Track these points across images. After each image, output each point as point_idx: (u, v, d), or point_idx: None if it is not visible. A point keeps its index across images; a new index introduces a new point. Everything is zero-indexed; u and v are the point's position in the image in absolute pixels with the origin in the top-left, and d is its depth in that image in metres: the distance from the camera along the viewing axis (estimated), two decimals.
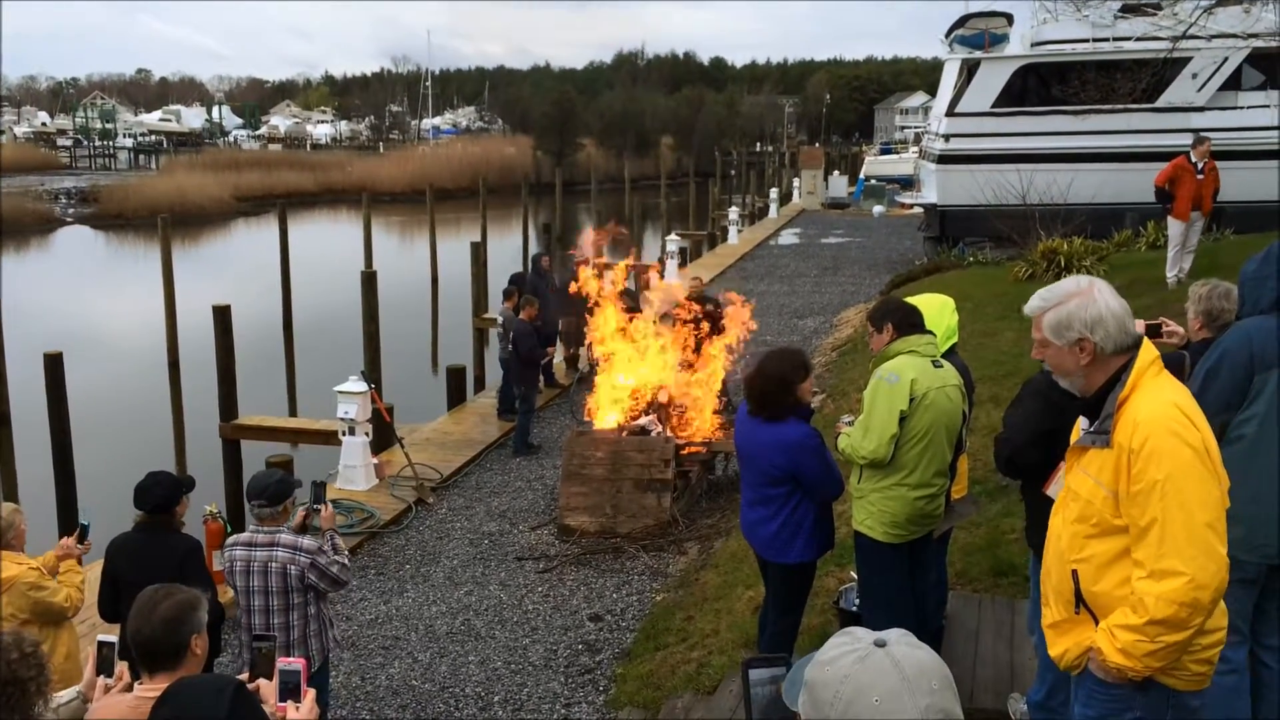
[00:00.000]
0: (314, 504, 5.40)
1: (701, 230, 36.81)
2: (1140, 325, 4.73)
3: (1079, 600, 2.97)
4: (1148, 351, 2.93)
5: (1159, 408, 2.81)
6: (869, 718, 1.52)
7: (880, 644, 1.58)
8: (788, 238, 34.82)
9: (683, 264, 27.13)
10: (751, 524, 5.35)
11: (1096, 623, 2.94)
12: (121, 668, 3.43)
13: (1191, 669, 2.89)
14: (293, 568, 4.99)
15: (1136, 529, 2.81)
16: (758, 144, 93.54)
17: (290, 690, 3.08)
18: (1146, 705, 2.92)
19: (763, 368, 5.22)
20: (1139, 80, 16.89)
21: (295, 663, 3.16)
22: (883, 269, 26.10)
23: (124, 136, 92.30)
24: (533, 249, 30.02)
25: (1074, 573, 2.98)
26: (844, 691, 1.55)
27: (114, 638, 3.56)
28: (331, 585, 5.13)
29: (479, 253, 20.09)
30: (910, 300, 5.25)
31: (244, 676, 3.27)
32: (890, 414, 4.65)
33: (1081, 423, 3.09)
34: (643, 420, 11.01)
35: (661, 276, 26.24)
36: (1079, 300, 2.95)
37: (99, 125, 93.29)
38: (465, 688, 7.21)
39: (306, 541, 5.06)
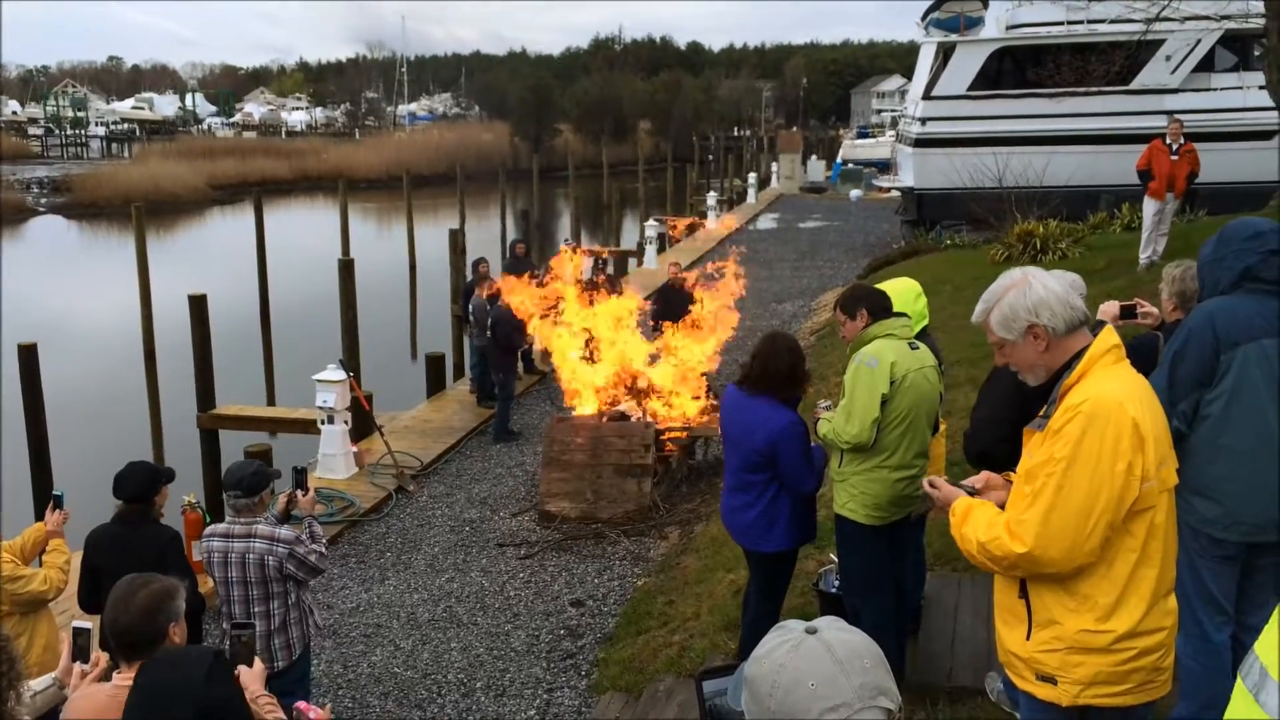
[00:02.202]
0: (295, 489, 5.38)
1: (680, 215, 36.79)
2: (1115, 306, 4.79)
3: (1022, 585, 2.96)
4: (1103, 340, 2.90)
5: (1100, 398, 2.77)
6: (807, 704, 1.56)
7: (812, 631, 1.62)
8: (766, 222, 34.87)
9: (661, 249, 27.15)
10: (731, 510, 5.34)
11: (1030, 623, 2.92)
12: (97, 655, 3.42)
13: (1125, 676, 2.84)
14: (270, 558, 4.97)
15: (1032, 490, 2.83)
16: (735, 128, 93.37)
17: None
18: None
19: (784, 345, 5.20)
20: (1113, 63, 17.02)
21: (311, 713, 3.27)
22: (860, 253, 26.19)
23: (96, 125, 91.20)
24: (511, 235, 29.95)
25: None
26: (781, 681, 1.58)
27: (89, 624, 3.55)
28: (310, 573, 5.12)
29: (457, 240, 19.98)
30: (879, 285, 5.27)
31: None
32: (872, 397, 4.67)
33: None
34: (622, 406, 11.03)
35: (640, 262, 26.31)
36: (1016, 290, 2.96)
37: (70, 114, 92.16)
38: (447, 674, 7.22)
39: (284, 531, 5.05)
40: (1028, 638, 2.92)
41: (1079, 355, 2.88)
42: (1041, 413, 2.93)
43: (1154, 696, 2.89)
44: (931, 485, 3.25)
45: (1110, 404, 2.75)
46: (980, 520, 2.93)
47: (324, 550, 5.23)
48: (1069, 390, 2.85)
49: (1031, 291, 2.93)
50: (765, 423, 5.07)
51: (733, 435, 5.28)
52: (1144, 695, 2.86)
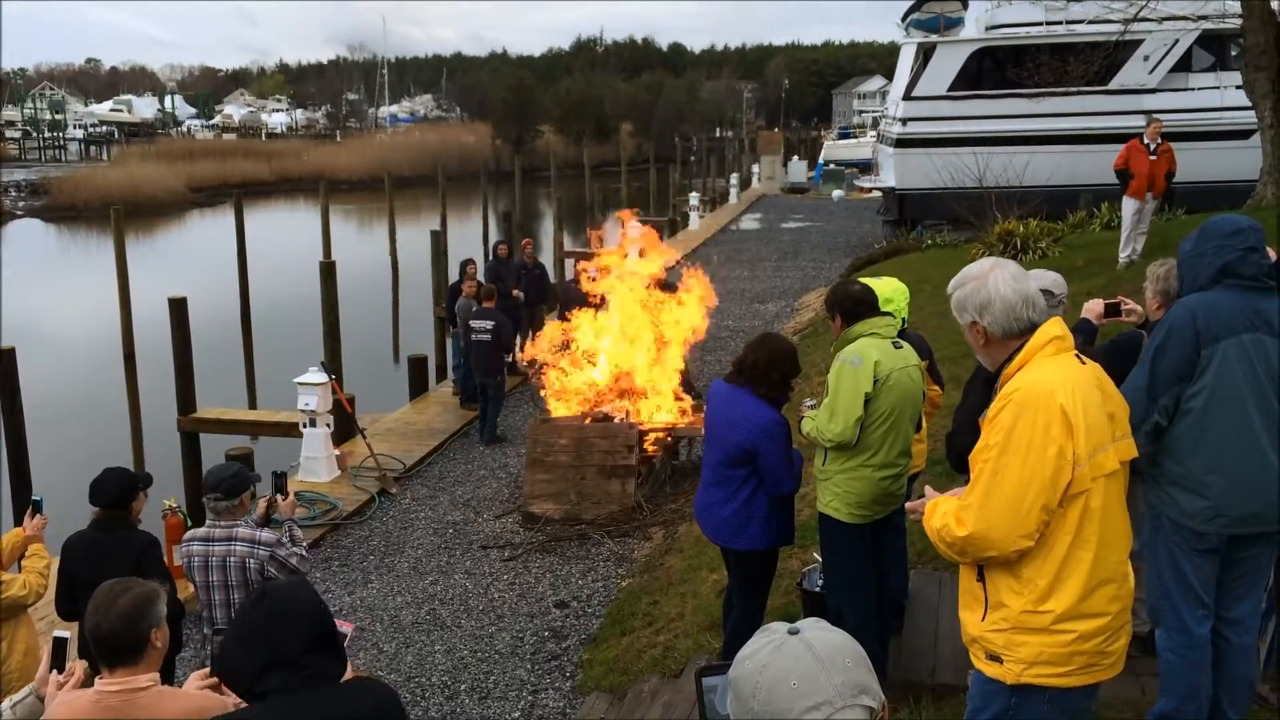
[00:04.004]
0: (275, 494, 5.36)
1: (662, 216, 36.80)
2: (1099, 304, 4.82)
3: (979, 570, 3.07)
4: (1044, 332, 2.98)
5: (1028, 385, 2.88)
6: (789, 702, 1.57)
7: (794, 632, 1.64)
8: (748, 222, 34.93)
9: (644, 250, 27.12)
10: (706, 505, 5.32)
11: (986, 605, 3.03)
12: (73, 665, 3.38)
13: (1066, 658, 2.92)
14: (252, 561, 4.94)
15: (972, 476, 2.98)
16: (717, 129, 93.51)
17: None
18: (1023, 705, 2.98)
19: (778, 345, 5.23)
20: (1092, 63, 17.13)
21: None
22: (842, 253, 26.25)
23: (74, 127, 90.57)
24: (493, 236, 29.87)
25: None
26: (763, 681, 1.60)
27: (68, 633, 3.51)
28: (290, 577, 5.08)
29: (439, 241, 19.93)
30: (868, 281, 5.28)
31: (205, 671, 3.26)
32: (855, 396, 4.67)
33: None
34: (606, 407, 11.01)
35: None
36: (973, 285, 3.07)
37: (48, 116, 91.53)
38: (431, 677, 7.20)
39: (265, 534, 5.02)
40: (982, 619, 3.03)
41: (1020, 347, 3.01)
42: (990, 401, 3.06)
43: (1098, 679, 2.97)
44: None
45: (1039, 392, 2.85)
46: (939, 511, 3.05)
47: (304, 554, 5.22)
48: (1007, 379, 2.98)
49: (984, 291, 3.05)
50: (749, 418, 5.07)
51: (716, 430, 5.27)
52: (1087, 677, 2.94)
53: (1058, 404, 2.83)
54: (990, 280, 3.05)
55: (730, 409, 5.17)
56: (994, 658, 3.00)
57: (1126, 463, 3.03)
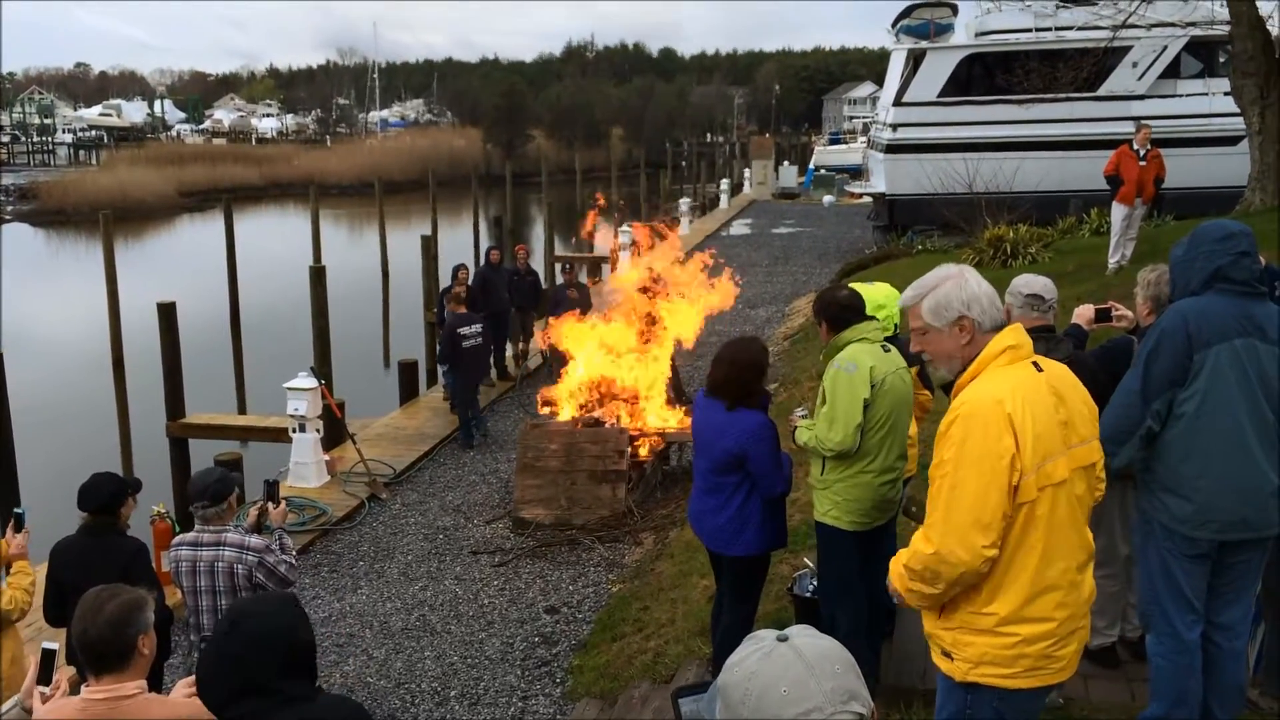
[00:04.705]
0: (266, 501, 5.33)
1: (652, 220, 36.80)
2: (1090, 310, 4.83)
3: None
4: (998, 342, 3.01)
5: (979, 399, 2.92)
6: (778, 709, 1.57)
7: (783, 639, 1.64)
8: (739, 228, 34.95)
9: (636, 255, 27.13)
10: (700, 513, 5.32)
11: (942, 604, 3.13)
12: (59, 677, 3.36)
13: (1010, 660, 2.97)
14: (240, 567, 4.91)
15: (929, 494, 3.03)
16: (708, 134, 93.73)
17: None
18: (975, 703, 3.05)
19: (735, 358, 5.21)
20: (1081, 69, 17.19)
21: None
22: (833, 258, 26.28)
23: (63, 132, 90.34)
24: (484, 241, 29.85)
25: None
26: (753, 688, 1.60)
27: (56, 645, 3.49)
28: (279, 584, 5.03)
29: (430, 246, 19.91)
30: (859, 287, 5.28)
31: (193, 678, 3.23)
32: (854, 403, 4.65)
33: None
34: (596, 412, 11.00)
35: (614, 268, 26.29)
36: (953, 282, 3.09)
37: (37, 120, 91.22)
38: (421, 683, 7.17)
39: (254, 540, 4.99)
40: (938, 615, 3.12)
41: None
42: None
43: (1045, 682, 3.02)
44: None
45: (987, 402, 2.90)
46: (900, 555, 3.15)
47: (293, 561, 5.17)
48: (959, 390, 3.03)
49: (967, 286, 3.07)
50: (736, 423, 5.08)
51: (704, 437, 5.28)
52: (1034, 680, 2.99)
53: (1005, 413, 2.87)
54: (966, 279, 3.09)
55: (716, 415, 5.19)
56: (946, 654, 3.09)
57: (1085, 468, 3.03)
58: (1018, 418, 2.86)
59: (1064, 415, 2.97)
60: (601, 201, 15.77)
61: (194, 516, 5.06)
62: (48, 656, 3.39)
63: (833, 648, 1.64)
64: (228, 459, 10.96)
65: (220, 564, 4.91)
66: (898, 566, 3.13)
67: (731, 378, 5.14)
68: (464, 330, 12.51)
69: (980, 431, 2.87)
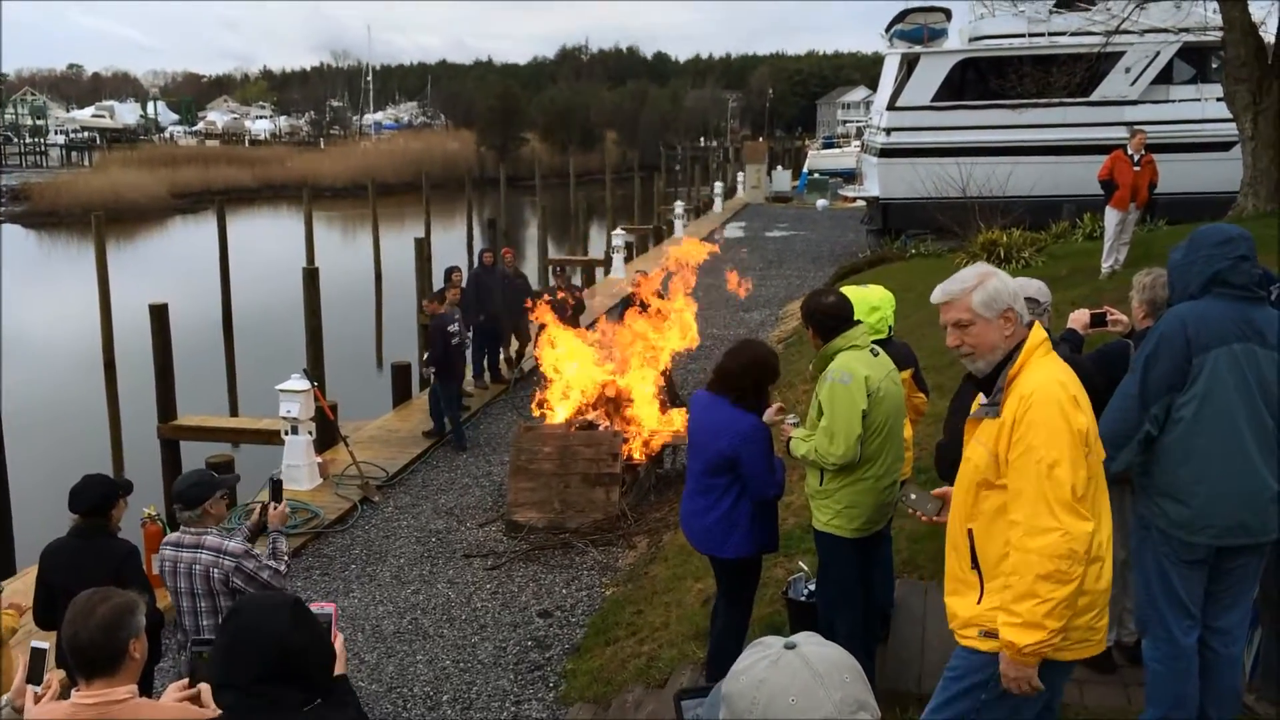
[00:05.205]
0: (271, 500, 5.27)
1: (647, 224, 36.83)
2: (1086, 314, 4.83)
3: (973, 558, 3.23)
4: (1037, 334, 3.22)
5: (1044, 384, 3.09)
6: (787, 717, 1.55)
7: (790, 646, 1.62)
8: (733, 231, 34.96)
9: (629, 258, 27.14)
10: (690, 514, 5.31)
11: (982, 588, 3.19)
12: (51, 676, 3.33)
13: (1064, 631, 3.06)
14: (216, 571, 4.83)
15: (1015, 490, 3.07)
16: (702, 138, 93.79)
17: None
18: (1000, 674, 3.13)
19: (754, 354, 5.23)
20: (1074, 74, 17.23)
21: (326, 607, 3.15)
22: (827, 261, 26.30)
23: (56, 133, 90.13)
24: (478, 244, 29.82)
25: (969, 531, 3.25)
26: (760, 695, 1.58)
27: (47, 644, 3.46)
28: (261, 590, 4.90)
29: (423, 248, 19.88)
30: (853, 290, 5.26)
31: (184, 682, 3.20)
32: (853, 414, 4.63)
33: (981, 398, 3.34)
34: (590, 414, 10.98)
35: (607, 272, 26.29)
36: (997, 278, 3.26)
37: (30, 122, 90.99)
38: (413, 688, 7.14)
39: (232, 544, 4.89)
40: (978, 601, 3.19)
41: (1017, 348, 3.21)
42: (987, 401, 3.22)
43: (1086, 654, 3.18)
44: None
45: (1053, 385, 3.09)
46: (1006, 601, 3.06)
47: (281, 568, 5.05)
48: (1014, 379, 3.16)
49: (1010, 282, 3.28)
50: (731, 425, 5.06)
51: (698, 438, 5.26)
52: (1078, 652, 3.14)
53: (1070, 394, 3.08)
54: (1002, 276, 3.28)
55: (711, 416, 5.16)
56: (990, 634, 3.12)
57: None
58: (1080, 398, 3.10)
59: (1087, 403, 3.18)
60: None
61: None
62: (37, 655, 3.36)
63: (841, 656, 1.63)
64: (219, 461, 10.92)
65: (197, 567, 4.84)
66: (1017, 618, 3.01)
67: (747, 372, 5.12)
68: (452, 329, 12.54)
69: (1059, 411, 3.03)
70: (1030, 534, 3.00)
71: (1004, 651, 3.06)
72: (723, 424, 5.09)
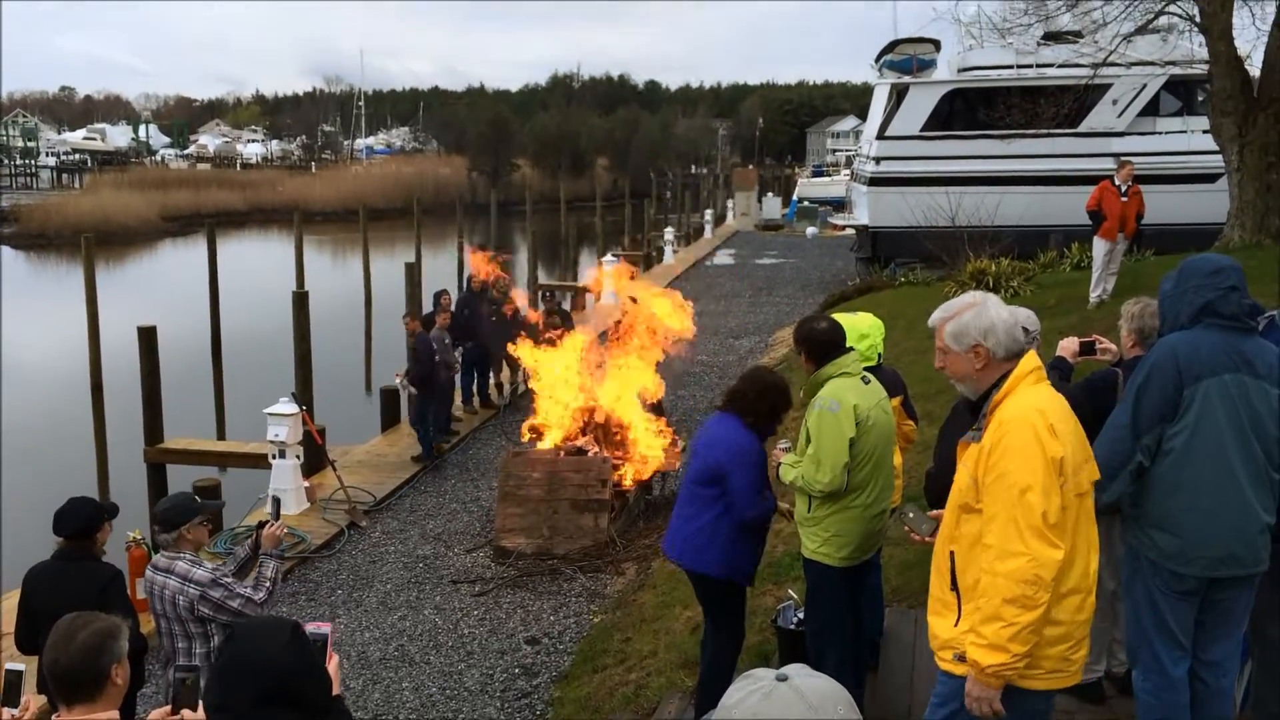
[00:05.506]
0: (271, 519, 5.23)
1: (637, 251, 36.92)
2: (1075, 343, 4.84)
3: (953, 579, 3.28)
4: (1028, 362, 3.25)
5: (1023, 411, 3.13)
6: None
7: (782, 679, 1.62)
8: (723, 258, 35.06)
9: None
10: (675, 522, 5.37)
11: (959, 610, 3.23)
12: (27, 699, 3.28)
13: (1036, 660, 3.10)
14: (181, 598, 4.78)
15: (989, 515, 3.12)
16: (692, 165, 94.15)
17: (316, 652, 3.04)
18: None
19: (773, 380, 5.30)
20: (1062, 105, 17.37)
21: (323, 626, 3.12)
22: (816, 289, 26.38)
23: (47, 155, 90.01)
24: (468, 269, 29.78)
25: (951, 553, 3.30)
26: None
27: (22, 665, 3.41)
28: (232, 617, 4.80)
29: (414, 273, 19.89)
30: (842, 317, 5.27)
31: (166, 709, 3.16)
32: (840, 443, 4.63)
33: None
34: (579, 441, 10.96)
35: (599, 297, 26.30)
36: (973, 311, 3.30)
37: (20, 143, 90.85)
38: (399, 715, 7.08)
39: (198, 572, 4.80)
40: (955, 624, 3.25)
41: (1006, 374, 3.26)
42: (975, 426, 3.28)
43: (1060, 685, 3.19)
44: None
45: (1031, 412, 3.12)
46: (974, 623, 3.14)
47: (257, 595, 4.89)
48: (997, 406, 3.21)
49: (986, 315, 3.28)
50: (729, 439, 5.13)
51: (698, 448, 5.35)
52: (1052, 682, 3.15)
53: (1049, 422, 3.10)
54: (989, 306, 3.29)
55: (716, 430, 5.26)
56: (963, 658, 3.19)
57: (1092, 485, 3.24)
58: (1059, 427, 3.11)
59: (1080, 433, 3.23)
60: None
61: None
62: (13, 677, 3.32)
63: (833, 688, 1.62)
64: (206, 485, 10.85)
65: (166, 592, 4.81)
66: (983, 639, 3.06)
67: (764, 396, 5.17)
68: (435, 346, 12.66)
69: (1034, 438, 3.07)
70: (1000, 558, 3.05)
71: (970, 670, 3.13)
72: (723, 437, 5.17)
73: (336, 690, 3.03)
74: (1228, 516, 3.66)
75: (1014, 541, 3.03)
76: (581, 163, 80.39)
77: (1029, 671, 3.09)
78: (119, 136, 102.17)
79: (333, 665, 3.07)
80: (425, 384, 12.73)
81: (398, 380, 13.58)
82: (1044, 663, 3.10)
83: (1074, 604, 3.09)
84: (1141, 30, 16.61)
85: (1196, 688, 3.85)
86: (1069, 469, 3.08)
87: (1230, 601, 3.80)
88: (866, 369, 5.05)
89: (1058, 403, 3.21)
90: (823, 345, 4.85)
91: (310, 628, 3.03)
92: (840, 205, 39.49)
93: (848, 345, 4.95)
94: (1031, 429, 3.07)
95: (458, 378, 14.55)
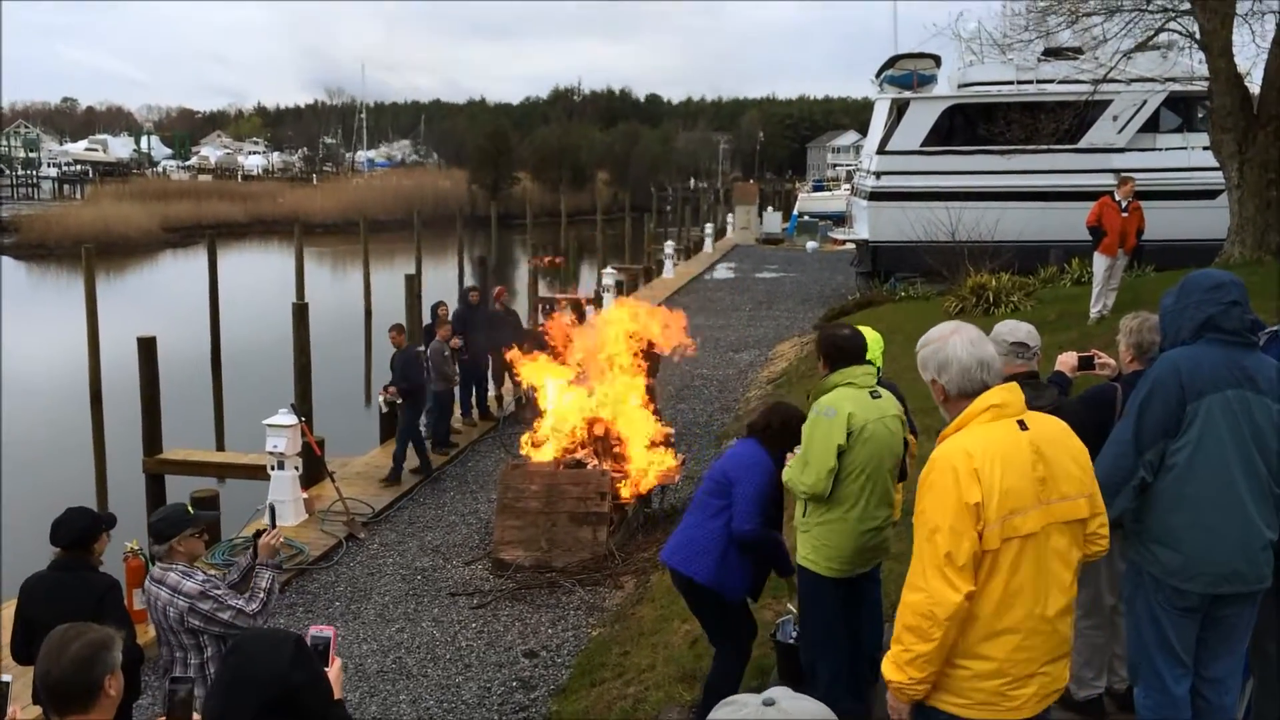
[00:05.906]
0: (269, 526, 5.21)
1: (637, 264, 36.95)
2: (1074, 358, 4.83)
3: None
4: (983, 400, 3.16)
5: (950, 452, 3.09)
6: None
7: (769, 703, 1.62)
8: (722, 272, 35.08)
9: (620, 296, 27.20)
10: (677, 533, 5.47)
11: None
12: (14, 709, 3.26)
13: (964, 691, 3.10)
14: (171, 610, 4.75)
15: (914, 545, 3.16)
16: (692, 179, 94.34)
17: (319, 656, 3.02)
18: None
19: (795, 411, 5.37)
20: (1062, 121, 17.41)
21: (325, 630, 3.10)
22: (816, 303, 26.38)
23: (48, 166, 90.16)
24: (468, 282, 29.79)
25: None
26: None
27: (9, 676, 3.39)
28: (224, 629, 4.76)
29: (414, 285, 19.88)
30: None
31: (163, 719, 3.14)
32: (827, 448, 4.64)
33: None
34: (579, 453, 10.94)
35: (598, 309, 26.29)
36: (934, 346, 3.30)
37: (22, 154, 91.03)
38: None
39: (188, 584, 4.76)
40: None
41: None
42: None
43: (999, 718, 3.11)
44: None
45: (957, 454, 3.07)
46: (899, 617, 3.17)
47: (250, 608, 4.83)
48: (941, 440, 3.20)
49: (943, 352, 3.26)
50: (744, 454, 5.28)
51: (716, 463, 5.54)
52: (986, 713, 3.11)
53: (972, 467, 3.03)
54: (950, 343, 3.26)
55: (736, 448, 5.44)
56: None
57: (1070, 524, 3.12)
58: (984, 471, 3.02)
59: (1042, 472, 3.08)
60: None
61: None
62: (0, 689, 3.29)
63: (818, 710, 1.63)
64: (204, 496, 10.82)
65: (159, 603, 4.81)
66: (890, 656, 3.17)
67: (788, 426, 5.22)
68: (436, 359, 12.75)
69: (953, 480, 3.03)
70: (908, 588, 3.13)
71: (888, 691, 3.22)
72: (739, 453, 5.33)
73: (338, 695, 3.02)
74: (1231, 533, 3.63)
75: (918, 576, 3.08)
76: (582, 176, 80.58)
77: (948, 697, 3.11)
78: (121, 148, 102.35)
79: (335, 669, 3.06)
80: (411, 396, 12.74)
81: (381, 398, 13.65)
82: (970, 694, 3.09)
83: (1011, 643, 3.05)
84: (1142, 47, 16.65)
85: (1198, 705, 3.83)
86: (991, 513, 3.01)
87: (1233, 618, 3.77)
88: None
89: (1002, 444, 3.08)
90: (838, 352, 4.91)
91: (313, 631, 3.03)
92: (840, 220, 39.54)
93: (866, 358, 4.97)
94: (952, 471, 3.05)
95: (456, 390, 14.54)
